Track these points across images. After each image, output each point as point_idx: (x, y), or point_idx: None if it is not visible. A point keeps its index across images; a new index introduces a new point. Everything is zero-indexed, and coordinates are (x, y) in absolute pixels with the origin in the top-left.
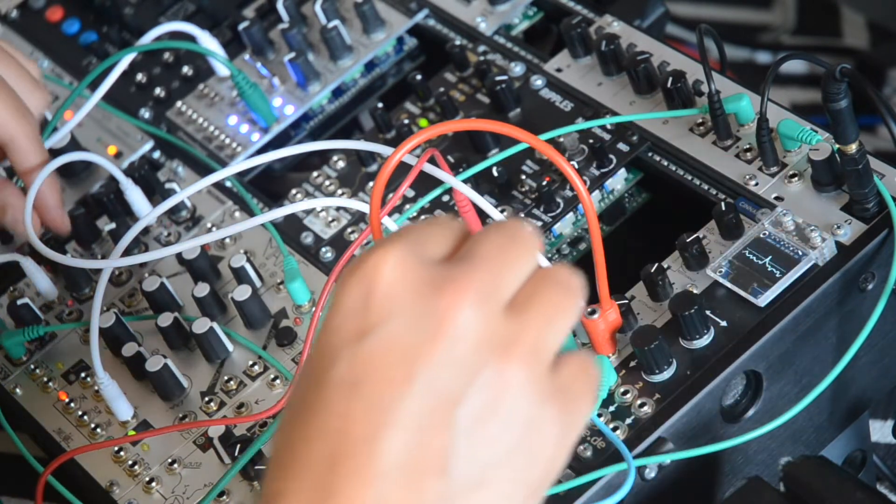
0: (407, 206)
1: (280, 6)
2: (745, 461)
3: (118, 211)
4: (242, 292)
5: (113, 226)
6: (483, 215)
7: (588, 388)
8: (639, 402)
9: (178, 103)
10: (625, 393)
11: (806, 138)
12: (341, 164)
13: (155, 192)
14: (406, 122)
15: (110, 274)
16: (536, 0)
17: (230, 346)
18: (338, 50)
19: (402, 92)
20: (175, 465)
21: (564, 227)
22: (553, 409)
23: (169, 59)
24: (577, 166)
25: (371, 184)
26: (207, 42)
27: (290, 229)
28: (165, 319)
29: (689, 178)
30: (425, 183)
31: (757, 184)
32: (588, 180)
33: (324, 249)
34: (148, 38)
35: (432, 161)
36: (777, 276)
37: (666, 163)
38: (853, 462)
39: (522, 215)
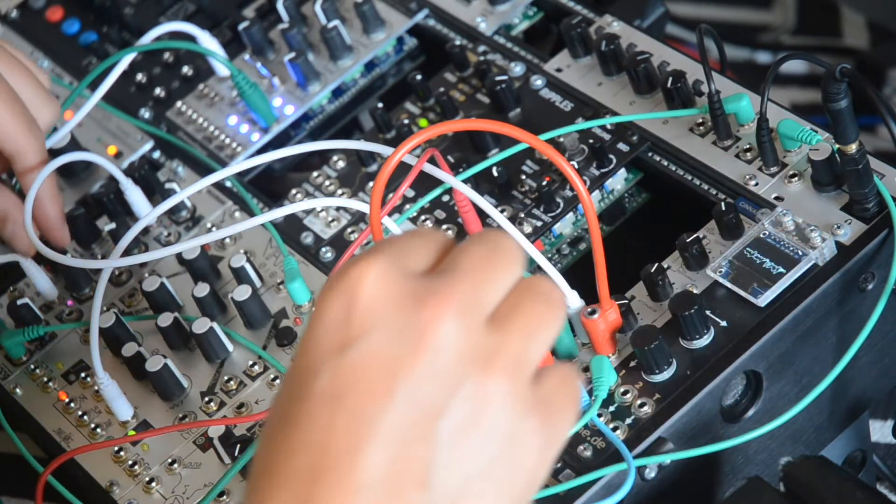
0: (407, 206)
1: (280, 6)
2: (745, 461)
3: (118, 211)
4: (242, 292)
5: (113, 226)
6: (483, 215)
7: (570, 400)
8: (639, 402)
9: (178, 103)
10: (625, 393)
11: (806, 138)
12: (341, 164)
13: (155, 192)
14: (406, 122)
15: (110, 274)
16: (536, 0)
17: (230, 346)
18: (338, 50)
19: (402, 92)
20: (175, 465)
21: (564, 227)
22: (535, 422)
23: (169, 59)
24: (577, 166)
25: (371, 184)
26: (207, 42)
27: (290, 229)
28: (165, 319)
29: (689, 178)
30: (425, 183)
31: (757, 184)
32: (588, 180)
33: (324, 249)
34: (148, 38)
35: (432, 161)
36: (777, 276)
37: (666, 163)
38: (853, 462)
39: (522, 215)
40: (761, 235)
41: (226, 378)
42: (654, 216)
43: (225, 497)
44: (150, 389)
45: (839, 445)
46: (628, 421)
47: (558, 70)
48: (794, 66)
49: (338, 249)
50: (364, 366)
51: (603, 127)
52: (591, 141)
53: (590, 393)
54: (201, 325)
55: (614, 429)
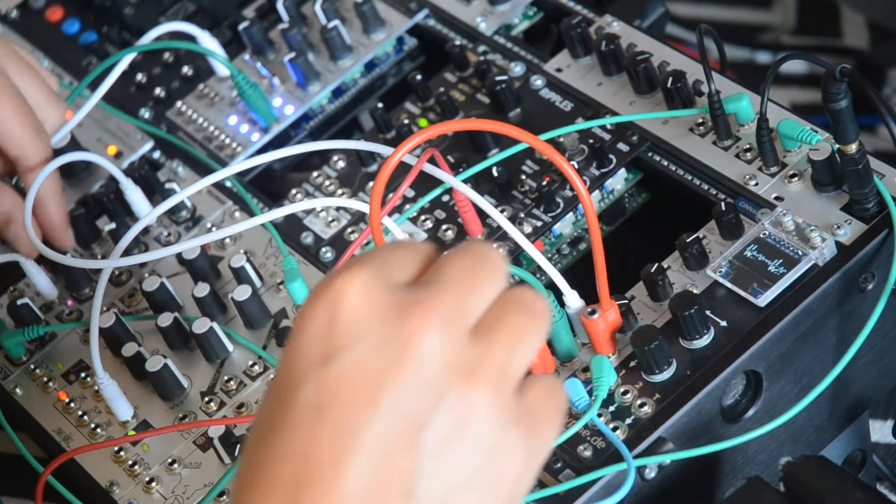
0: (407, 206)
1: (280, 6)
2: (745, 461)
3: (118, 211)
4: (242, 292)
5: (113, 226)
6: (483, 215)
7: (554, 411)
8: (639, 402)
9: (178, 103)
10: (625, 393)
11: (806, 138)
12: (341, 164)
13: (155, 192)
14: (406, 122)
15: (110, 274)
16: (536, 0)
17: (230, 346)
18: (338, 50)
19: (402, 92)
20: (175, 465)
21: (564, 227)
22: (518, 433)
23: (169, 59)
24: (577, 166)
25: (371, 184)
26: (207, 42)
27: (290, 229)
28: (165, 319)
29: (689, 178)
30: (425, 183)
31: (757, 184)
32: (588, 180)
33: (324, 249)
34: (148, 38)
35: (432, 161)
36: (777, 276)
37: (666, 163)
38: (853, 462)
39: (522, 215)
40: (761, 235)
41: (226, 378)
42: (654, 216)
43: (225, 497)
44: (150, 389)
45: (839, 445)
46: (628, 421)
47: (558, 70)
48: (794, 66)
49: (338, 249)
50: (348, 377)
51: (603, 127)
52: (591, 141)
53: (590, 393)
54: (201, 325)
55: (614, 429)
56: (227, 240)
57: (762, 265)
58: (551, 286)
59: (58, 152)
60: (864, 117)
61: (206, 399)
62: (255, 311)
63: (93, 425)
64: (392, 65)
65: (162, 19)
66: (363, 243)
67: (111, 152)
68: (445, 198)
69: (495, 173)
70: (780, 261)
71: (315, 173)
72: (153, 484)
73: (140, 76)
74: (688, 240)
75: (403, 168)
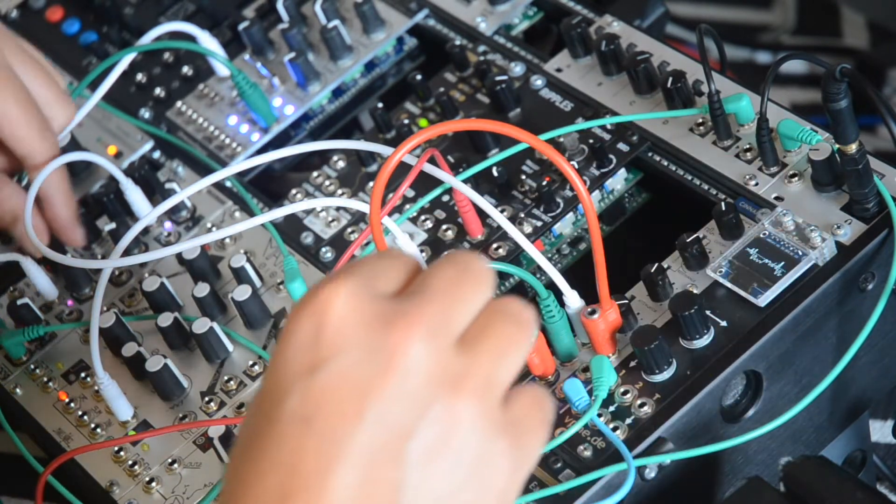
0: (407, 206)
1: (280, 6)
2: (745, 461)
3: (118, 211)
4: (242, 292)
5: (113, 226)
6: (483, 215)
7: (540, 421)
8: (639, 402)
9: (178, 103)
10: (625, 393)
11: (806, 138)
12: (341, 164)
13: (155, 192)
14: (406, 122)
15: (110, 274)
16: (536, 0)
17: (230, 346)
18: (338, 50)
19: (402, 92)
20: (175, 465)
21: (564, 227)
22: (504, 443)
23: (169, 59)
24: (577, 166)
25: (371, 184)
26: (207, 42)
27: (290, 229)
28: (165, 319)
29: (689, 178)
30: (425, 183)
31: (757, 184)
32: (588, 180)
33: (324, 249)
34: (148, 38)
35: (432, 161)
36: (777, 276)
37: (666, 163)
38: (853, 462)
39: (522, 215)
40: (761, 235)
41: (226, 378)
42: (654, 216)
43: None
44: (150, 389)
45: (839, 445)
46: (628, 421)
47: (558, 70)
48: (794, 66)
49: (338, 249)
50: (334, 387)
51: (603, 127)
52: (591, 141)
53: (590, 393)
54: (201, 325)
55: (614, 429)
56: (227, 240)
57: (762, 265)
58: (551, 286)
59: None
60: (864, 117)
61: (206, 399)
62: (255, 311)
63: (93, 425)
64: (392, 65)
65: (162, 19)
66: (363, 243)
67: (111, 152)
68: (445, 198)
69: (495, 173)
70: (780, 261)
71: (315, 173)
72: (153, 484)
73: (140, 76)
74: (688, 240)
75: (403, 168)
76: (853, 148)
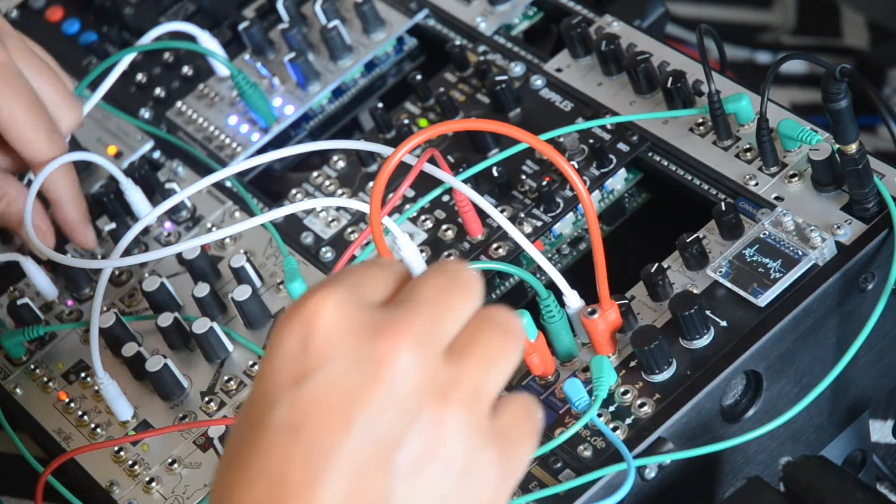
0: (407, 206)
1: (280, 6)
2: (745, 461)
3: (118, 211)
4: (242, 292)
5: (113, 226)
6: (483, 215)
7: (529, 431)
8: (639, 402)
9: (178, 103)
10: (625, 393)
11: (806, 138)
12: (341, 164)
13: (155, 192)
14: (406, 122)
15: (110, 274)
16: (536, 0)
17: (230, 346)
18: (338, 50)
19: (402, 92)
20: (175, 465)
21: (564, 227)
22: (492, 453)
23: (169, 59)
24: (577, 166)
25: (371, 184)
26: (207, 42)
27: (290, 229)
28: (165, 319)
29: (689, 178)
30: (425, 183)
31: (757, 184)
32: (588, 180)
33: (324, 249)
34: (148, 38)
35: (432, 161)
36: (777, 276)
37: (666, 163)
38: (853, 462)
39: (522, 215)
40: (761, 235)
41: (226, 378)
42: (654, 216)
43: None
44: (150, 389)
45: (839, 445)
46: (628, 421)
47: (558, 70)
48: (794, 66)
49: (338, 249)
50: (321, 397)
51: (603, 127)
52: (591, 141)
53: (590, 393)
54: (201, 325)
55: (614, 429)
56: (227, 240)
57: (762, 265)
58: (551, 286)
59: None
60: (864, 117)
61: (206, 399)
62: (255, 311)
63: (93, 425)
64: (392, 65)
65: (162, 19)
66: (363, 243)
67: (111, 152)
68: (445, 198)
69: (495, 173)
70: (780, 261)
71: (315, 173)
72: (153, 484)
73: (140, 76)
74: (688, 240)
75: (403, 168)
76: (853, 148)
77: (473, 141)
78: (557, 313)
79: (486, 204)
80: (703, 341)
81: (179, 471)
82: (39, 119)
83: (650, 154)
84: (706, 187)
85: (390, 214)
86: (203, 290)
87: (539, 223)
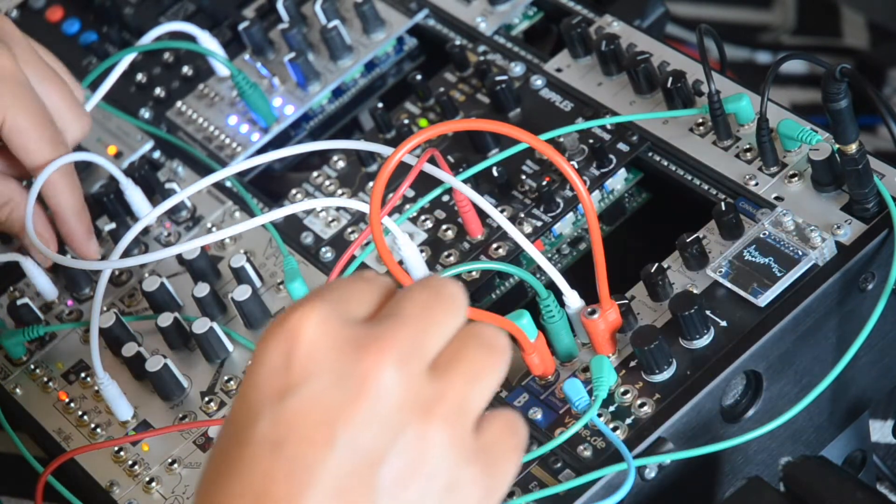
0: (407, 206)
1: (280, 6)
2: (745, 461)
3: (118, 211)
4: (242, 292)
5: (113, 226)
6: (483, 215)
7: (513, 447)
8: (639, 402)
9: (178, 103)
10: (625, 393)
11: (806, 138)
12: (341, 164)
13: (155, 192)
14: (406, 122)
15: (110, 274)
16: (536, 0)
17: (230, 346)
18: (338, 50)
19: (402, 92)
20: (175, 465)
21: (564, 227)
22: (475, 470)
23: (169, 59)
24: (577, 166)
25: (371, 184)
26: (207, 42)
27: (290, 229)
28: (165, 319)
29: (689, 178)
30: (425, 183)
31: (757, 184)
32: (588, 180)
33: (324, 249)
34: (148, 38)
35: (432, 161)
36: (777, 276)
37: (666, 163)
38: (853, 462)
39: (522, 215)
40: (761, 235)
41: (226, 378)
42: (654, 216)
43: None
44: (150, 389)
45: (839, 445)
46: (628, 421)
47: (558, 70)
48: (794, 66)
49: (338, 249)
50: (304, 413)
51: (603, 127)
52: (591, 141)
53: (590, 393)
54: (201, 325)
55: (614, 429)
56: (227, 240)
57: (762, 265)
58: (551, 286)
59: None
60: (864, 117)
61: (206, 399)
62: (255, 311)
63: (93, 425)
64: (392, 65)
65: (162, 19)
66: (363, 243)
67: (111, 152)
68: (445, 198)
69: (495, 173)
70: (780, 261)
71: (315, 173)
72: (153, 484)
73: (140, 76)
74: (688, 240)
75: (403, 168)
76: (853, 148)
77: (473, 141)
78: (557, 313)
79: (486, 204)
80: (703, 341)
81: (179, 471)
82: (44, 129)
83: (650, 154)
84: (706, 187)
85: (390, 214)
86: (203, 290)
87: (539, 223)
